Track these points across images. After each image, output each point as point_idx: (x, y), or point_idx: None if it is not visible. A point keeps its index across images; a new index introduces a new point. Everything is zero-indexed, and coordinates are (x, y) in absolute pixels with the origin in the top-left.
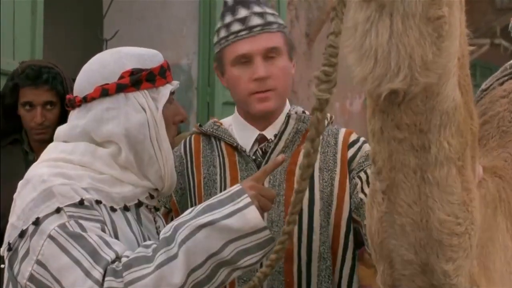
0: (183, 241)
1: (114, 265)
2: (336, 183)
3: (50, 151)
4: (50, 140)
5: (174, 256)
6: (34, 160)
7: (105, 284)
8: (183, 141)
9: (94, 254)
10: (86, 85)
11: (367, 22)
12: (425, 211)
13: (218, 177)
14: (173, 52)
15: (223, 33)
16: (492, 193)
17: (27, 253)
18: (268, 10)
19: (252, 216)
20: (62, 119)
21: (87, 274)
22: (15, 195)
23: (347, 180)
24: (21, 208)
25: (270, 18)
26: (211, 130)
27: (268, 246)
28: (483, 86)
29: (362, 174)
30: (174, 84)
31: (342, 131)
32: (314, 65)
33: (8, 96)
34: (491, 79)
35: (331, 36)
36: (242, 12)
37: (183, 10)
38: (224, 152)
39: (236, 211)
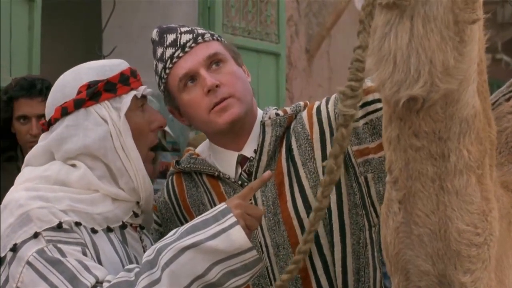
0: (167, 264)
1: None
2: None
3: (25, 174)
4: None
5: (157, 280)
6: None
7: None
8: (165, 185)
9: (73, 280)
10: (51, 107)
11: (386, 25)
12: (443, 220)
13: None
14: None
15: (160, 66)
16: (506, 207)
17: (6, 281)
18: (196, 27)
19: (238, 236)
20: None
21: None
22: None
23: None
24: None
25: (200, 31)
26: (189, 165)
27: (255, 267)
28: None
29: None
30: (141, 89)
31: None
32: (314, 81)
33: (2, 111)
34: (497, 94)
35: (358, 50)
36: (170, 37)
37: None
38: (208, 185)
39: (220, 232)
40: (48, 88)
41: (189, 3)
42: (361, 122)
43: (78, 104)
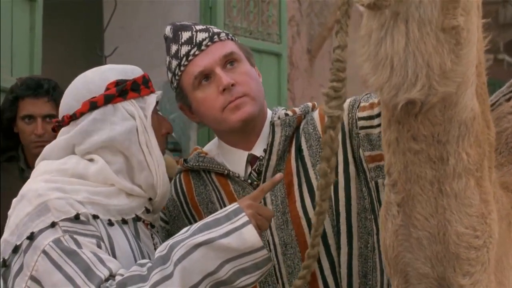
0: (179, 260)
1: (107, 283)
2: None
3: (41, 168)
4: None
5: (169, 276)
6: None
7: None
8: (173, 183)
9: (87, 271)
10: (73, 103)
11: (381, 29)
12: (442, 223)
13: None
14: None
15: (174, 63)
16: (506, 208)
17: (21, 268)
18: (211, 26)
19: (250, 235)
20: None
21: None
22: (9, 212)
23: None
24: (15, 223)
25: (215, 29)
26: (197, 164)
27: (265, 266)
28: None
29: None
30: (158, 93)
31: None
32: (316, 82)
33: (7, 110)
34: (497, 95)
35: (337, 50)
36: (185, 35)
37: None
38: (217, 183)
39: (233, 230)
40: (55, 88)
41: (191, 3)
42: (377, 130)
43: (108, 99)
